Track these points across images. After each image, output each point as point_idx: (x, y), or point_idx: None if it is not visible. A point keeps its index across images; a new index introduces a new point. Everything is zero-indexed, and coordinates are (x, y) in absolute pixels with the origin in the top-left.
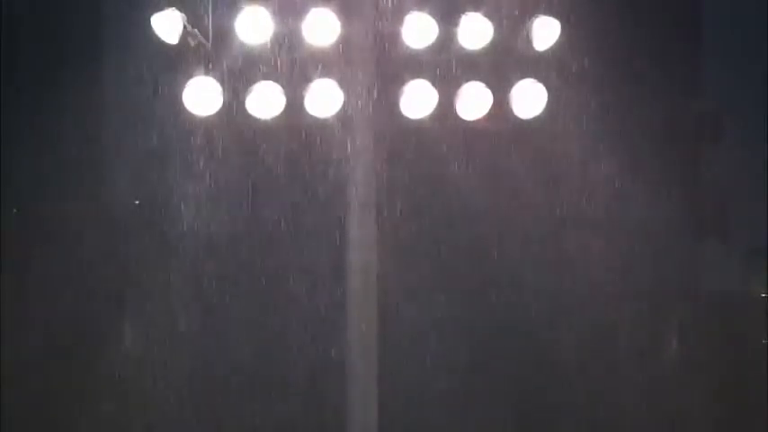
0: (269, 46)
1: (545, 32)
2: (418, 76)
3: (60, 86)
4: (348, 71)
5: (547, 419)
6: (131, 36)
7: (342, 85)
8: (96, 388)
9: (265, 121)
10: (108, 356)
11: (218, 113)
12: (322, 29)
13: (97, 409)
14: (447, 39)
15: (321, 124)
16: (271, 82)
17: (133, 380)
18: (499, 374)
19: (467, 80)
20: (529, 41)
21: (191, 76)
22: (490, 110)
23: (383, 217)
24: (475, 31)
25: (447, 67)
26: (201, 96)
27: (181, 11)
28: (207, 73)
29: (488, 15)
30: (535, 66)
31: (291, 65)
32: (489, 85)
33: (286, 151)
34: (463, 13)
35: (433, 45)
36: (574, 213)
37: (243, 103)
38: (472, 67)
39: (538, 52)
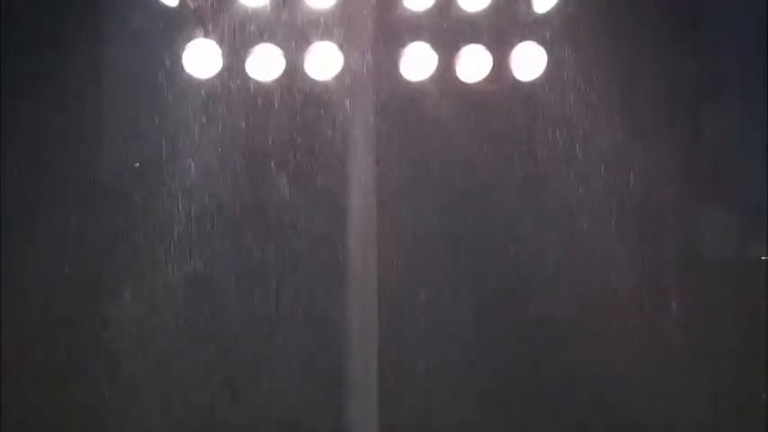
0: (268, 8)
1: None
2: (418, 39)
3: (58, 49)
4: (348, 34)
5: (549, 390)
6: None
7: (342, 47)
8: (93, 361)
9: (265, 84)
10: (105, 328)
11: (218, 76)
12: None
13: (96, 387)
14: (447, 1)
15: (321, 87)
16: (270, 44)
17: (127, 355)
18: (502, 353)
19: (466, 43)
20: (529, 4)
21: (190, 39)
22: (490, 72)
23: (383, 179)
24: None
25: (447, 29)
26: (201, 59)
27: None
28: (206, 35)
29: None
30: (535, 28)
31: (291, 27)
32: (489, 48)
33: (286, 114)
34: None
35: (432, 7)
36: (573, 176)
37: (243, 65)
38: (472, 29)
39: (538, 15)
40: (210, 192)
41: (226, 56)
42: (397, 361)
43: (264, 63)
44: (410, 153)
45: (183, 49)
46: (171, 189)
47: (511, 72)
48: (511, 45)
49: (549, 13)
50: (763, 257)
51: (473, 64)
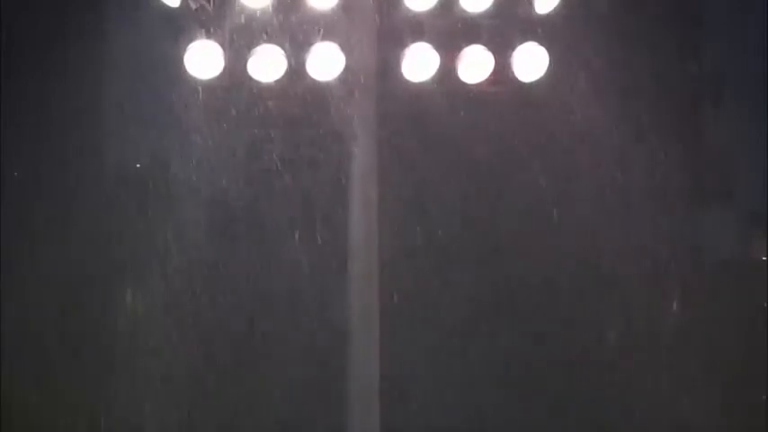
0: (270, 9)
1: None
2: (420, 39)
3: (58, 50)
4: (350, 34)
5: (550, 393)
6: None
7: (343, 48)
8: (96, 354)
9: (267, 84)
10: (107, 324)
11: (220, 77)
12: None
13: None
14: (449, 2)
15: (323, 87)
16: (272, 45)
17: (127, 348)
18: (503, 358)
19: (468, 43)
20: (531, 4)
21: (192, 40)
22: (492, 73)
23: (384, 179)
24: None
25: (448, 30)
26: (203, 60)
27: None
28: (208, 36)
29: None
30: (537, 29)
31: (293, 28)
32: (491, 49)
33: (288, 114)
34: None
35: (434, 8)
36: (575, 176)
37: (244, 66)
38: (474, 30)
39: (540, 15)
40: (211, 192)
41: (227, 56)
42: (398, 366)
43: (266, 63)
44: (412, 153)
45: (184, 50)
46: (172, 190)
47: (513, 73)
48: (513, 46)
49: (550, 13)
50: (764, 258)
51: (475, 65)
